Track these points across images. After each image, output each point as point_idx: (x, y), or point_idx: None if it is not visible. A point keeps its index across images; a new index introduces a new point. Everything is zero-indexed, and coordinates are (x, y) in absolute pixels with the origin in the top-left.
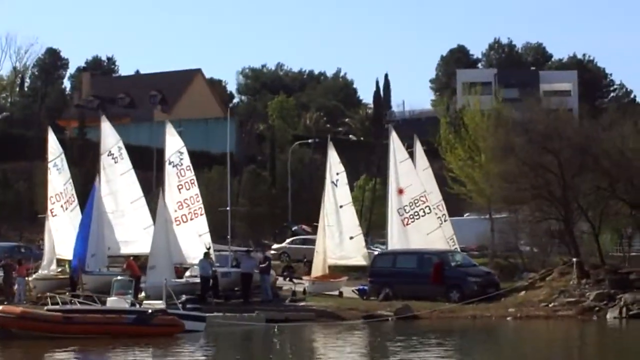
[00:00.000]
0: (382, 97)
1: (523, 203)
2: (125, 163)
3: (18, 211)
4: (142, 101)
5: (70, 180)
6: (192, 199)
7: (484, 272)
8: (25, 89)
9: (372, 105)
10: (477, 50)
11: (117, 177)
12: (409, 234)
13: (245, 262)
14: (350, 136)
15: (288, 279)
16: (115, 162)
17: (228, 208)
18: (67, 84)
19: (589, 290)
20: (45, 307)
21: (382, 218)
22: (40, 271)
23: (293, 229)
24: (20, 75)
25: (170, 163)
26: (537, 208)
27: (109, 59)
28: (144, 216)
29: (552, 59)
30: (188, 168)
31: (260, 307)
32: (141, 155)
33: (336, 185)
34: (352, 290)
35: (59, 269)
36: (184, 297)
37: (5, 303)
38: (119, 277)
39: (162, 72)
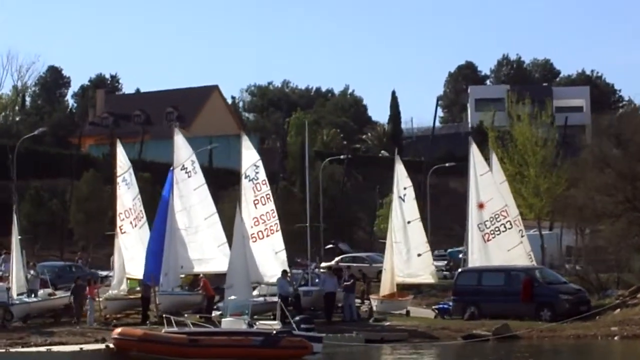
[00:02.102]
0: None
1: (616, 217)
2: (199, 177)
3: (52, 229)
4: (158, 118)
5: (139, 196)
6: (268, 214)
7: (575, 290)
8: (27, 107)
9: (382, 122)
10: (485, 66)
11: (191, 192)
12: (489, 250)
13: (328, 280)
14: (382, 152)
15: None
16: (189, 177)
17: (307, 224)
18: (70, 101)
19: None
20: (164, 330)
21: None
22: (110, 291)
23: (333, 243)
24: (21, 94)
25: (246, 177)
26: (631, 221)
27: (112, 77)
28: (218, 233)
29: (560, 75)
30: (264, 182)
31: (345, 326)
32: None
33: (404, 201)
34: (433, 309)
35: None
36: (297, 317)
37: (77, 326)
38: (232, 297)
39: (177, 88)
